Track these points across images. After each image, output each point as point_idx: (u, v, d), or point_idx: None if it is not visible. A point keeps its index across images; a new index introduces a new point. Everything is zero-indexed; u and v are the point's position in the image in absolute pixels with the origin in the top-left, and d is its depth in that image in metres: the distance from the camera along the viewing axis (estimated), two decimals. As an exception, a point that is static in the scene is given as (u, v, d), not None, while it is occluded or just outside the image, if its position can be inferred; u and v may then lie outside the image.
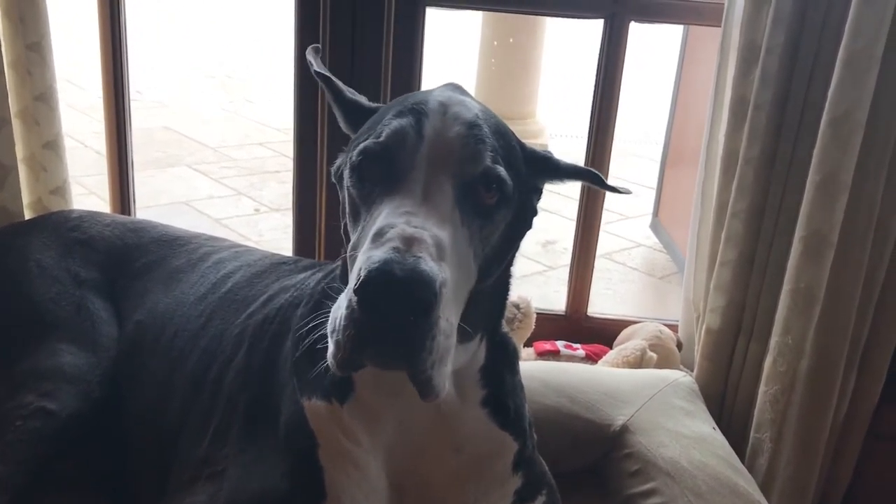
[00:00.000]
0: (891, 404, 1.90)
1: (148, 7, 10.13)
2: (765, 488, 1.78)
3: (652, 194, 4.32)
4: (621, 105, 2.12)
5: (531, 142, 1.19)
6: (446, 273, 0.90)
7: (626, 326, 2.21)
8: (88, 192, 4.17)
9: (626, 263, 4.02)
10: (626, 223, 4.53)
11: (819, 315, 1.75)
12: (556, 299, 3.06)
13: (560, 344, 2.14)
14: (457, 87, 1.13)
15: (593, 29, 2.09)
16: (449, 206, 0.97)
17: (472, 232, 1.00)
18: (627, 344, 2.08)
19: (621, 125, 2.17)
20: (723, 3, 1.88)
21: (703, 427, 1.70)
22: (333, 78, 1.22)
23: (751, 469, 1.79)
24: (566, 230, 3.42)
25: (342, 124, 1.21)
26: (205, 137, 5.76)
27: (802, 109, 1.76)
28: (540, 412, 1.57)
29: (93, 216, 1.74)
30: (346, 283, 1.13)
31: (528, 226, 1.15)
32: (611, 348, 2.14)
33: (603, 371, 1.90)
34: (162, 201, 4.40)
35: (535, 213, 1.16)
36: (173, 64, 8.30)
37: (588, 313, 2.31)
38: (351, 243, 1.02)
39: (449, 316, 0.93)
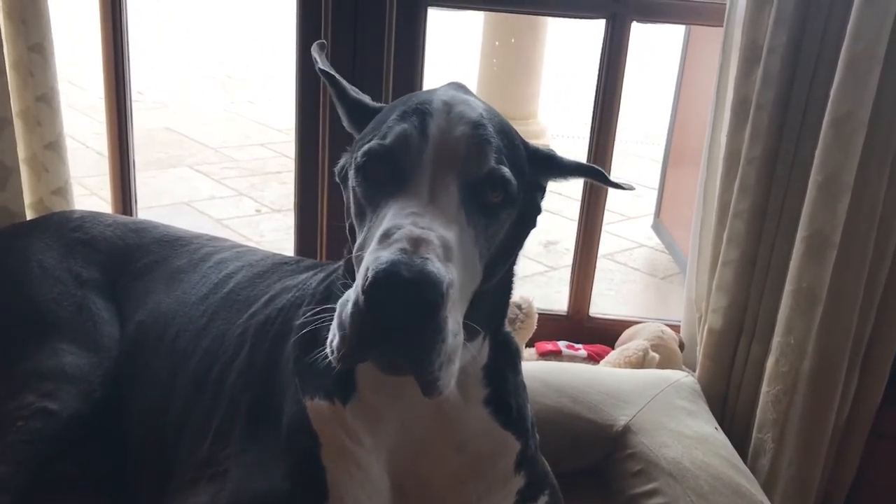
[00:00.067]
0: (893, 404, 1.90)
1: (148, 7, 10.14)
2: (767, 488, 1.77)
3: (653, 195, 4.32)
4: (623, 105, 2.12)
5: (533, 142, 1.19)
6: (453, 274, 0.90)
7: (627, 327, 2.20)
8: (90, 193, 4.17)
9: (628, 264, 4.01)
10: (628, 224, 4.53)
11: (821, 315, 1.75)
12: (557, 299, 3.06)
13: (562, 344, 2.13)
14: (460, 87, 1.13)
15: (595, 29, 2.09)
16: (455, 206, 0.97)
17: (478, 232, 1.00)
18: (629, 344, 2.07)
19: (623, 126, 2.17)
20: (725, 4, 1.87)
21: (706, 427, 1.70)
22: (337, 76, 1.22)
23: (753, 469, 1.79)
24: (568, 231, 3.42)
25: (345, 123, 1.21)
26: (206, 138, 5.76)
27: (804, 110, 1.76)
28: (542, 412, 1.56)
29: (94, 216, 1.74)
30: (351, 279, 1.14)
31: (533, 224, 1.15)
32: (613, 349, 2.14)
33: (605, 371, 1.90)
34: (163, 202, 4.40)
35: (539, 210, 1.16)
36: (174, 64, 8.31)
37: (590, 314, 2.31)
38: (357, 243, 1.02)
39: (456, 315, 0.93)
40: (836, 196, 1.69)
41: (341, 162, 1.16)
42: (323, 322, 0.97)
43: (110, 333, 1.52)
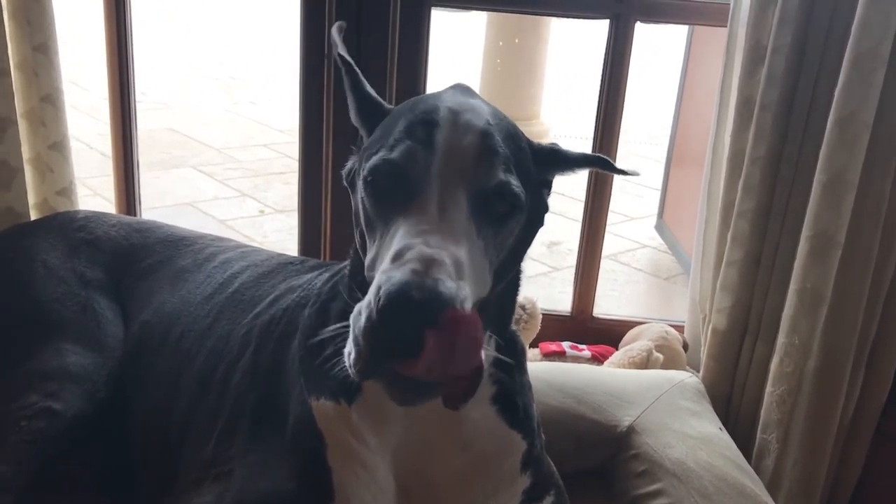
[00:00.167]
0: (898, 405, 1.90)
1: (148, 7, 10.14)
2: (772, 489, 1.77)
3: (656, 195, 4.32)
4: (626, 106, 2.12)
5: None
6: (465, 291, 0.90)
7: (631, 327, 2.20)
8: (94, 194, 4.18)
9: (631, 264, 4.01)
10: (631, 224, 4.53)
11: (826, 315, 1.74)
12: (561, 300, 3.05)
13: (566, 345, 2.13)
14: (465, 89, 1.12)
15: (598, 29, 2.09)
16: (464, 220, 0.96)
17: (487, 243, 0.99)
18: (633, 345, 2.07)
19: (626, 126, 2.16)
20: (728, 4, 1.87)
21: (710, 428, 1.70)
22: (355, 66, 1.18)
23: (757, 470, 1.79)
24: (571, 231, 3.42)
25: (353, 116, 1.18)
26: (209, 139, 5.77)
27: (809, 109, 1.76)
28: (545, 413, 1.56)
29: (99, 217, 1.74)
30: (355, 282, 1.13)
31: (540, 223, 1.14)
32: (616, 349, 2.13)
33: (609, 372, 1.89)
34: (167, 202, 4.40)
35: (546, 208, 1.15)
36: (174, 65, 8.32)
37: (593, 314, 2.31)
38: (369, 258, 1.01)
39: None
40: (840, 196, 1.68)
41: (348, 165, 1.15)
42: (338, 333, 0.96)
43: (114, 333, 1.52)
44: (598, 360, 2.11)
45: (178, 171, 5.03)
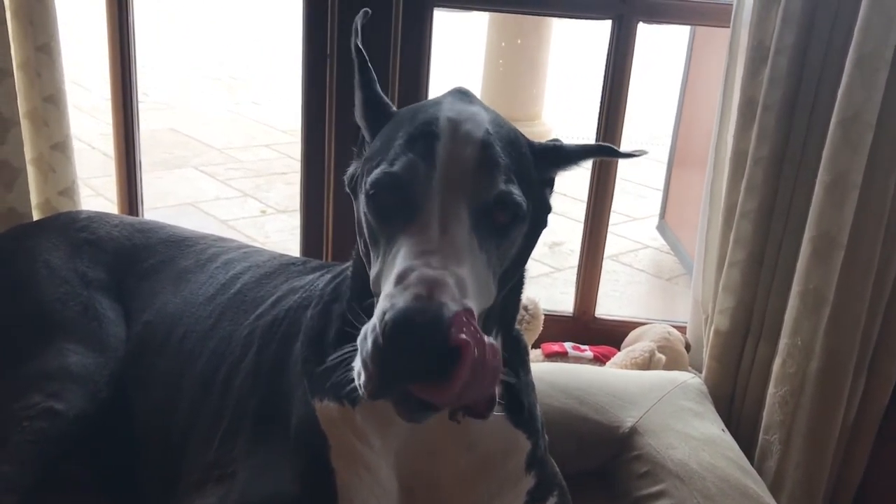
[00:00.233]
0: (901, 406, 1.89)
1: (148, 7, 10.14)
2: (774, 490, 1.77)
3: (659, 196, 4.32)
4: (628, 106, 2.12)
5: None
6: (470, 311, 0.90)
7: (633, 328, 2.20)
8: (96, 194, 4.18)
9: (633, 265, 4.01)
10: (633, 225, 4.53)
11: (828, 316, 1.74)
12: (563, 301, 3.05)
13: (568, 345, 2.13)
14: (464, 95, 1.11)
15: (601, 30, 2.08)
16: (466, 235, 0.96)
17: (490, 254, 0.99)
18: (636, 345, 2.07)
19: (628, 126, 2.16)
20: (731, 4, 1.87)
21: (712, 429, 1.69)
22: (369, 62, 1.17)
23: (760, 471, 1.79)
24: (573, 232, 3.42)
25: (358, 114, 1.17)
26: (210, 139, 5.77)
27: (812, 110, 1.76)
28: (548, 414, 1.56)
29: (101, 217, 1.75)
30: (357, 284, 1.14)
31: (544, 225, 1.14)
32: (619, 350, 2.13)
33: (611, 373, 1.89)
34: (169, 203, 4.40)
35: (549, 209, 1.15)
36: (175, 65, 8.32)
37: (596, 315, 2.31)
38: (374, 272, 1.01)
39: None
40: (843, 196, 1.68)
41: (350, 171, 1.15)
42: (345, 353, 0.96)
43: (116, 333, 1.52)
44: (600, 360, 2.10)
45: (180, 172, 5.03)
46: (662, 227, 4.19)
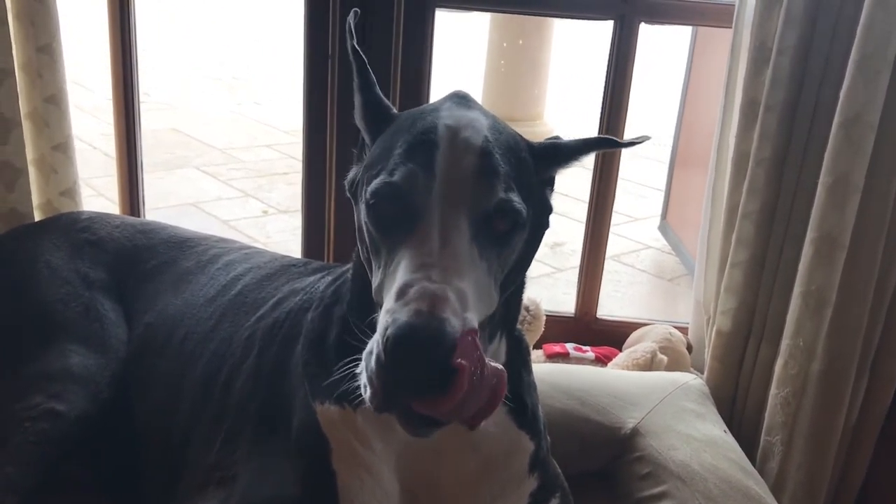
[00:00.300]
0: (903, 407, 1.89)
1: (148, 7, 10.14)
2: (776, 491, 1.76)
3: (660, 196, 4.31)
4: (630, 107, 2.11)
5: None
6: (473, 323, 0.90)
7: (635, 329, 2.20)
8: (97, 194, 4.17)
9: (635, 265, 4.00)
10: (635, 225, 4.52)
11: (830, 317, 1.74)
12: (565, 301, 3.05)
13: (569, 346, 2.13)
14: (463, 99, 1.10)
15: (602, 30, 2.08)
16: (466, 245, 0.96)
17: (491, 262, 0.99)
18: (637, 346, 2.07)
19: (630, 127, 2.16)
20: (733, 5, 1.87)
21: (714, 430, 1.69)
22: (367, 65, 1.17)
23: (762, 472, 1.78)
24: (575, 232, 3.41)
25: (358, 116, 1.17)
26: (212, 139, 5.77)
27: (814, 111, 1.75)
28: (549, 415, 1.55)
29: (102, 218, 1.75)
30: (357, 287, 1.14)
31: (546, 227, 1.14)
32: (620, 351, 2.13)
33: (613, 374, 1.89)
34: (170, 203, 4.40)
35: (550, 210, 1.15)
36: (175, 65, 8.32)
37: (597, 315, 2.30)
38: (376, 281, 1.01)
39: None
40: (845, 198, 1.68)
41: (350, 175, 1.14)
42: (350, 363, 0.96)
43: (117, 334, 1.52)
44: (601, 361, 2.10)
45: (182, 172, 5.03)
46: (664, 228, 4.19)
